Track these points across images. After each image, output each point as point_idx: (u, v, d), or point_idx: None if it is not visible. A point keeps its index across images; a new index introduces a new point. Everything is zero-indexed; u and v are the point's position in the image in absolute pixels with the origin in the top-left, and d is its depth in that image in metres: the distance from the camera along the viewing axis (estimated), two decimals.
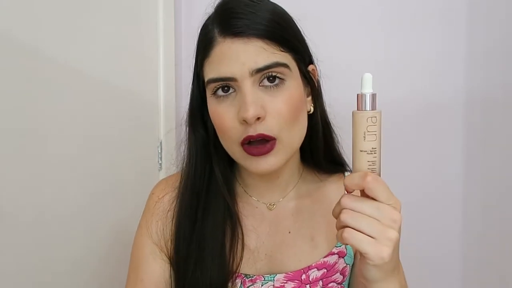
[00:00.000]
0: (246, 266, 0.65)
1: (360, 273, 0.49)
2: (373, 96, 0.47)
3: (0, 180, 0.71)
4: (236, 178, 0.69)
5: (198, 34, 0.61)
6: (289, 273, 0.64)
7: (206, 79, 0.58)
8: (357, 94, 0.47)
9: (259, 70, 0.54)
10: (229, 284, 0.63)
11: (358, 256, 0.53)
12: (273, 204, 0.67)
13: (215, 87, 0.57)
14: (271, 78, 0.56)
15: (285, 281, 0.64)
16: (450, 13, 1.09)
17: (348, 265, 0.67)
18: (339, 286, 0.67)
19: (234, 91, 0.57)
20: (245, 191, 0.69)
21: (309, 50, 0.64)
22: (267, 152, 0.56)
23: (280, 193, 0.68)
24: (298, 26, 0.62)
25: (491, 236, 1.09)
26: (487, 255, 1.10)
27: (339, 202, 0.47)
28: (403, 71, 1.11)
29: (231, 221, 0.64)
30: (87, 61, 0.87)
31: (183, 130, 0.68)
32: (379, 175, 0.48)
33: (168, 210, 0.67)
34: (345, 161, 0.71)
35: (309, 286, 0.65)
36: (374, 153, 0.47)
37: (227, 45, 0.55)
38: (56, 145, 0.81)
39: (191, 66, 0.65)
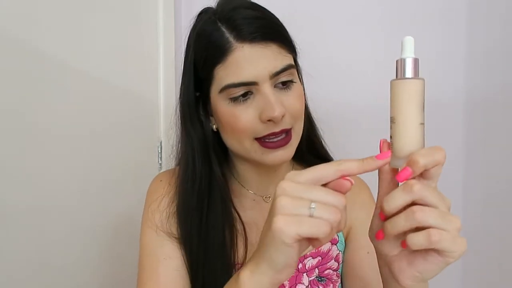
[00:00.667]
0: (248, 258, 0.65)
1: (409, 273, 0.42)
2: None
3: (1, 179, 0.71)
4: (232, 173, 0.70)
5: (196, 36, 0.61)
6: None
7: (222, 84, 0.58)
8: (404, 59, 0.41)
9: (277, 73, 0.58)
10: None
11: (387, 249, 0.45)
12: (269, 197, 0.68)
13: (235, 92, 0.58)
14: (284, 80, 0.59)
15: None
16: (450, 13, 1.09)
17: (340, 252, 0.69)
18: (335, 273, 0.68)
19: (251, 94, 0.58)
20: (242, 185, 0.70)
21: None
22: (286, 143, 0.59)
23: (275, 185, 0.68)
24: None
25: (491, 235, 1.09)
26: (487, 255, 1.10)
27: (402, 193, 0.39)
28: None
29: (231, 215, 0.65)
30: (87, 61, 0.87)
31: (176, 128, 0.68)
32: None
33: (167, 207, 0.67)
34: (332, 158, 0.72)
35: (306, 274, 0.66)
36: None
37: (246, 50, 0.57)
38: (56, 144, 0.81)
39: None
